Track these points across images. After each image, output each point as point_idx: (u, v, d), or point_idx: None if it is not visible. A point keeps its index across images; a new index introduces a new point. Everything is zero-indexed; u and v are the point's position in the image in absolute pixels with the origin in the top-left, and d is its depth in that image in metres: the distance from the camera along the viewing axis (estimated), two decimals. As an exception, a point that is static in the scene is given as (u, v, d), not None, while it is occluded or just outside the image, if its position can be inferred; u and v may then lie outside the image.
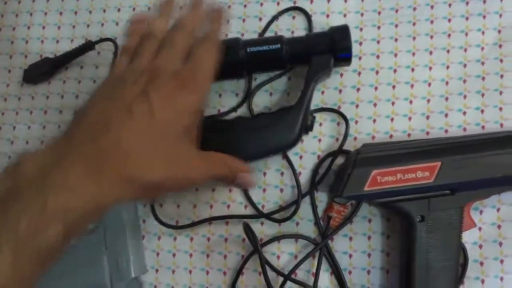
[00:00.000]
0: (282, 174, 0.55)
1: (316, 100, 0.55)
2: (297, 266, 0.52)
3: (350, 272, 0.53)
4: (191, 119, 0.41)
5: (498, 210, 0.52)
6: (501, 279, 0.51)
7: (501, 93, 0.54)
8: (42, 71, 0.60)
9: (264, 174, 0.55)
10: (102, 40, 0.59)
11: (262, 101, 0.56)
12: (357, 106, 0.55)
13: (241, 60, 0.51)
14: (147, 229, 0.56)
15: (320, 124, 0.55)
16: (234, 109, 0.56)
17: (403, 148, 0.48)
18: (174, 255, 0.56)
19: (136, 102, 0.38)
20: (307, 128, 0.50)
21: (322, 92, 0.56)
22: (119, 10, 0.61)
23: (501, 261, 0.51)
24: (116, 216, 0.53)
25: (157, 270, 0.56)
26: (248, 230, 0.52)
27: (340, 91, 0.56)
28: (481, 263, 0.52)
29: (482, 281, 0.51)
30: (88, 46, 0.59)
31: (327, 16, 0.58)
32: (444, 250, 0.48)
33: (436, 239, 0.47)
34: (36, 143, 0.60)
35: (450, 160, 0.47)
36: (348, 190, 0.47)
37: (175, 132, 0.39)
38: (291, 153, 0.55)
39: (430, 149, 0.48)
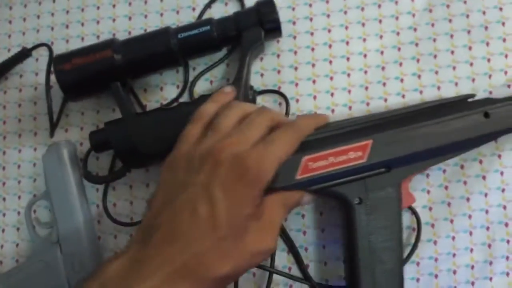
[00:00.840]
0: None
1: (257, 83, 0.55)
2: (252, 249, 0.52)
3: (306, 249, 0.53)
4: (255, 202, 0.41)
5: (444, 171, 0.52)
6: (453, 238, 0.52)
7: (435, 56, 0.54)
8: (-20, 84, 0.59)
9: (212, 162, 0.55)
10: (37, 46, 0.58)
11: (203, 89, 0.56)
12: (296, 84, 0.55)
13: (174, 48, 0.50)
14: (102, 230, 0.55)
15: (262, 106, 0.55)
16: (175, 100, 0.56)
17: (332, 130, 0.46)
18: (131, 252, 0.55)
19: (199, 203, 0.39)
20: (250, 102, 0.50)
21: (261, 75, 0.55)
22: (52, 14, 0.60)
23: (451, 221, 0.52)
24: (69, 217, 0.52)
25: (116, 270, 0.55)
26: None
27: (279, 71, 0.55)
28: (432, 225, 0.52)
29: (435, 242, 0.52)
30: (24, 53, 0.58)
31: None
32: (386, 230, 0.45)
33: (376, 220, 0.45)
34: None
35: (381, 136, 0.45)
36: (280, 181, 0.43)
37: (239, 223, 0.39)
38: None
39: (360, 128, 0.46)
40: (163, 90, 0.57)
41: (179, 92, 0.56)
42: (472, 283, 0.51)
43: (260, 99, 0.55)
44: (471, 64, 0.53)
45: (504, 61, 0.53)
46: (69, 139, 0.57)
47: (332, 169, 0.45)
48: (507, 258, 0.51)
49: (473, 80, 0.53)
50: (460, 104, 0.47)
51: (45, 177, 0.54)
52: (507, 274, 0.51)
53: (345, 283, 0.50)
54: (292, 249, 0.53)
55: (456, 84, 0.53)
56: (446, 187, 0.52)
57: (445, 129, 0.45)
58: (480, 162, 0.52)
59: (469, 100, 0.49)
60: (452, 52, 0.54)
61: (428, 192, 0.52)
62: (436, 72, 0.54)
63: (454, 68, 0.53)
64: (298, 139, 0.44)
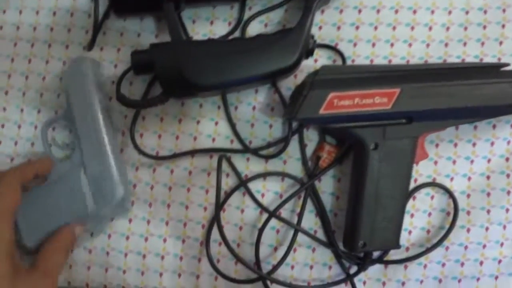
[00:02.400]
0: (272, 109, 0.51)
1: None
2: (282, 204, 0.48)
3: (335, 215, 0.50)
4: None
5: (489, 161, 0.50)
6: (486, 229, 0.49)
7: (501, 43, 0.51)
8: None
9: (254, 108, 0.51)
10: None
11: (256, 32, 0.51)
12: (355, 44, 0.51)
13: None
14: (124, 159, 0.51)
15: (316, 61, 0.51)
16: (225, 37, 0.51)
17: (363, 72, 0.44)
18: (152, 187, 0.51)
19: None
20: (308, 51, 0.46)
21: (320, 28, 0.51)
22: None
23: (488, 211, 0.50)
24: (94, 138, 0.48)
25: (133, 202, 0.51)
26: (228, 162, 0.49)
27: (339, 27, 0.51)
28: (468, 212, 0.50)
29: (468, 230, 0.49)
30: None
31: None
32: (395, 180, 0.45)
33: (388, 168, 0.45)
34: None
35: (410, 87, 0.43)
36: (303, 112, 0.43)
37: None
38: (283, 88, 0.51)
39: (391, 75, 0.44)
40: (213, 24, 0.52)
41: (230, 29, 0.52)
42: (496, 277, 0.49)
43: (314, 53, 0.51)
44: (536, 57, 0.51)
45: None
46: (104, 58, 0.53)
47: (356, 110, 0.43)
48: (535, 258, 0.50)
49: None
50: (492, 71, 0.46)
51: (66, 94, 0.49)
52: (532, 274, 0.50)
53: (345, 226, 0.48)
54: (321, 213, 0.50)
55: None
56: (488, 177, 0.50)
57: (474, 92, 0.44)
58: (527, 157, 0.50)
59: (502, 69, 0.47)
60: (519, 42, 0.51)
61: (469, 178, 0.50)
62: (499, 59, 0.51)
63: (518, 58, 0.51)
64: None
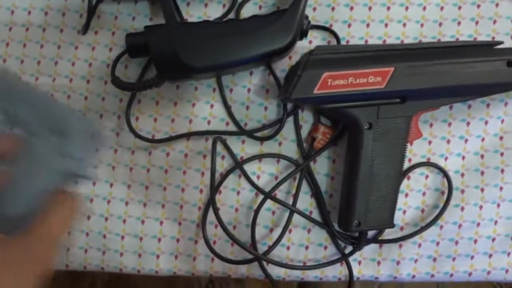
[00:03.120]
0: (267, 91, 0.51)
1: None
2: (277, 185, 0.48)
3: (331, 195, 0.50)
4: None
5: (482, 140, 0.50)
6: (480, 207, 0.50)
7: (494, 22, 0.51)
8: None
9: (248, 90, 0.51)
10: None
11: (250, 14, 0.51)
12: (349, 25, 0.51)
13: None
14: (120, 143, 0.51)
15: (310, 42, 0.51)
16: (220, 19, 0.51)
17: (357, 52, 0.44)
18: (148, 170, 0.51)
19: None
20: (303, 32, 0.46)
21: (314, 9, 0.51)
22: None
23: (482, 190, 0.50)
24: None
25: (129, 186, 0.51)
26: (223, 144, 0.49)
27: (333, 8, 0.51)
28: (462, 191, 0.50)
29: (462, 209, 0.50)
30: None
31: None
32: (389, 159, 0.45)
33: (382, 147, 0.45)
34: None
35: (403, 66, 0.43)
36: (297, 92, 0.43)
37: None
38: (278, 70, 0.51)
39: (384, 55, 0.44)
40: (208, 7, 0.52)
41: (224, 11, 0.51)
42: (490, 256, 0.50)
43: (309, 34, 0.51)
44: (529, 36, 0.51)
45: None
46: (99, 42, 0.52)
47: (350, 90, 0.43)
48: (529, 236, 0.50)
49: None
50: (485, 49, 0.45)
51: None
52: (525, 251, 0.50)
53: (339, 206, 0.48)
54: (316, 194, 0.50)
55: None
56: (482, 156, 0.50)
57: (467, 70, 0.44)
58: (521, 136, 0.50)
59: (495, 47, 0.46)
60: (512, 21, 0.51)
61: (464, 157, 0.50)
62: (493, 38, 0.51)
63: None
64: None
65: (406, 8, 0.51)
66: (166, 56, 0.45)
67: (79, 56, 0.52)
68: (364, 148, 0.45)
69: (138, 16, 0.52)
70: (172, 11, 0.46)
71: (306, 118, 0.50)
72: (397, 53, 0.44)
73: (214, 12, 0.51)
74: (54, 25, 0.53)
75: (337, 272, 0.50)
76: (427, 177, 0.50)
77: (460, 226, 0.49)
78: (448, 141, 0.50)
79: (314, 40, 0.51)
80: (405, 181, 0.50)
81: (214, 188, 0.47)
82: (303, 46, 0.50)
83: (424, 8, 0.51)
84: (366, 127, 0.45)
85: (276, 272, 0.50)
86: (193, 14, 0.52)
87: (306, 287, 0.99)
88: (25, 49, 0.53)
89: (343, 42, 0.50)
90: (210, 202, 0.48)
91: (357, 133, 0.45)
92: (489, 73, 0.44)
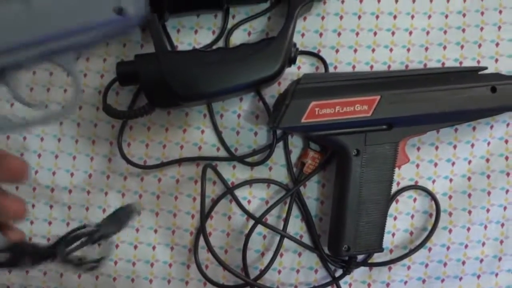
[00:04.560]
0: (257, 117, 0.51)
1: (296, 43, 0.51)
2: (268, 210, 0.48)
3: (321, 219, 0.50)
4: None
5: (469, 162, 0.50)
6: (468, 229, 0.50)
7: (480, 46, 0.51)
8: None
9: (239, 116, 0.51)
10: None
11: (240, 40, 0.51)
12: (337, 51, 0.51)
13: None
14: (112, 169, 0.51)
15: (299, 68, 0.51)
16: (209, 46, 0.51)
17: (344, 80, 0.45)
18: (140, 196, 0.51)
19: None
20: (291, 60, 0.46)
21: (302, 35, 0.51)
22: None
23: (469, 212, 0.50)
24: None
25: (121, 211, 0.52)
26: (214, 171, 0.49)
27: (321, 34, 0.51)
28: (450, 214, 0.50)
29: (450, 231, 0.50)
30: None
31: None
32: (377, 184, 0.46)
33: (369, 173, 0.45)
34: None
35: (389, 94, 0.44)
36: (285, 121, 0.44)
37: None
38: (267, 96, 0.51)
39: (370, 83, 0.45)
40: (198, 33, 0.52)
41: (214, 38, 0.51)
42: (478, 276, 0.50)
43: (297, 60, 0.51)
44: (515, 60, 0.51)
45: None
46: (90, 69, 0.52)
47: (337, 118, 0.44)
48: (516, 256, 0.50)
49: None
50: (470, 76, 0.46)
51: None
52: (513, 272, 0.50)
53: (329, 231, 0.48)
54: (307, 218, 0.50)
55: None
56: (469, 178, 0.50)
57: (452, 97, 0.44)
58: (506, 158, 0.50)
59: (480, 73, 0.47)
60: (497, 44, 0.51)
61: (451, 180, 0.50)
62: (478, 62, 0.51)
63: (496, 60, 0.51)
64: None
65: (393, 33, 0.51)
66: (155, 85, 0.45)
67: (71, 83, 0.52)
68: (352, 174, 0.45)
69: (129, 44, 0.52)
70: (162, 39, 0.46)
71: (296, 143, 0.51)
72: (383, 81, 0.45)
73: (204, 38, 0.52)
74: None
75: (328, 295, 0.50)
76: (415, 200, 0.50)
77: (448, 248, 0.50)
78: (436, 164, 0.50)
79: (303, 65, 0.51)
80: (393, 205, 0.50)
81: (204, 215, 0.48)
82: (291, 72, 0.50)
83: (410, 33, 0.51)
84: (353, 154, 0.45)
85: (268, 295, 0.50)
86: (183, 41, 0.52)
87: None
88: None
89: (331, 68, 0.51)
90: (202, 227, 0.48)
91: (345, 159, 0.46)
92: (473, 99, 0.45)
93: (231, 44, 0.51)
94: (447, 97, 0.45)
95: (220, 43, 0.52)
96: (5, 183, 0.34)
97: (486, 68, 0.47)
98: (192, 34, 0.52)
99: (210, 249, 0.46)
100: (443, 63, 0.51)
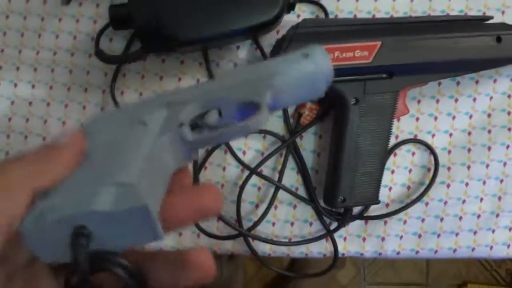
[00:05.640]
0: (254, 66, 0.50)
1: (295, -10, 0.49)
2: (263, 161, 0.47)
3: (317, 172, 0.49)
4: None
5: (470, 117, 0.49)
6: (466, 184, 0.49)
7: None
8: None
9: (235, 64, 0.49)
10: None
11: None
12: (338, -1, 0.50)
13: None
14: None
15: (298, 16, 0.49)
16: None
17: (344, 26, 0.43)
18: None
19: None
20: (290, 5, 0.45)
21: (303, -18, 0.50)
22: None
23: (468, 167, 0.49)
24: None
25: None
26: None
27: (322, -19, 0.50)
28: (448, 168, 0.49)
29: (448, 186, 0.49)
30: None
31: None
32: (375, 135, 0.45)
33: (368, 123, 0.44)
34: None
35: (390, 40, 0.42)
36: None
37: None
38: (265, 44, 0.49)
39: (372, 28, 0.43)
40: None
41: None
42: (475, 232, 0.49)
43: (297, 8, 0.49)
44: None
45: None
46: (83, 14, 0.50)
47: (336, 64, 0.42)
48: (514, 213, 0.49)
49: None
50: (475, 24, 0.44)
51: None
52: (510, 229, 0.49)
53: (325, 182, 0.47)
54: (302, 170, 0.49)
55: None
56: (469, 133, 0.49)
57: (455, 45, 0.43)
58: (509, 113, 0.49)
59: (485, 22, 0.45)
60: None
61: (451, 135, 0.49)
62: (484, 13, 0.49)
63: (503, 12, 0.49)
64: None
65: (397, -18, 0.49)
66: (149, 28, 0.43)
67: (63, 29, 0.50)
68: (350, 123, 0.44)
69: (123, -12, 0.50)
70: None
71: (293, 93, 0.49)
72: (385, 27, 0.43)
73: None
74: (37, -4, 0.51)
75: (322, 248, 0.49)
76: (413, 154, 0.49)
77: (445, 203, 0.49)
78: (436, 118, 0.49)
79: (302, 14, 0.49)
80: (391, 158, 0.49)
81: (198, 164, 0.46)
82: (290, 20, 0.48)
83: (415, -18, 0.49)
84: (352, 103, 0.44)
85: (262, 248, 0.49)
86: (179, -14, 0.50)
87: (296, 264, 0.99)
88: (8, 20, 0.51)
89: (331, 16, 0.49)
90: (195, 178, 0.47)
91: (343, 108, 0.44)
92: (478, 49, 0.43)
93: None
94: (451, 45, 0.43)
95: (217, -11, 0.49)
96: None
97: (491, 17, 0.46)
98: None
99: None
100: (447, 14, 0.49)
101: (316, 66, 0.25)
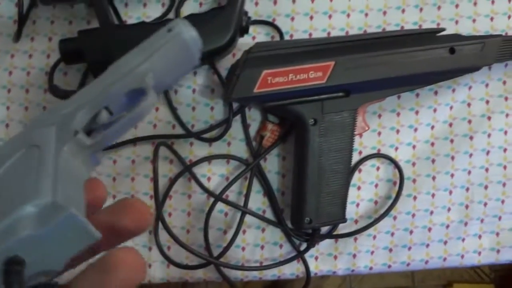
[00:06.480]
0: (212, 90, 0.49)
1: (250, 12, 0.48)
2: (228, 186, 0.47)
3: (283, 193, 0.49)
4: None
5: (432, 127, 0.49)
6: (433, 195, 0.49)
7: (439, 8, 0.50)
8: None
9: (194, 90, 0.49)
10: None
11: (191, 11, 0.49)
12: (292, 18, 0.49)
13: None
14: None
15: (253, 38, 0.49)
16: (159, 19, 0.49)
17: (297, 47, 0.43)
18: (95, 179, 0.49)
19: None
20: (243, 29, 0.44)
21: (256, 3, 0.49)
22: None
23: (433, 178, 0.49)
24: None
25: (77, 196, 0.49)
26: (169, 149, 0.47)
27: (275, 2, 0.48)
28: (414, 180, 0.49)
29: (414, 198, 0.49)
30: None
31: None
32: (336, 153, 0.44)
33: (328, 143, 0.44)
34: None
35: (344, 59, 0.42)
36: (237, 91, 0.42)
37: None
38: (222, 69, 0.49)
39: (324, 48, 0.43)
40: (147, 6, 0.49)
41: (164, 11, 0.49)
42: (445, 242, 0.49)
43: (251, 30, 0.49)
44: (474, 21, 0.50)
45: None
46: (35, 49, 0.49)
47: (291, 87, 0.42)
48: (482, 220, 0.49)
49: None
50: (427, 37, 0.45)
51: None
52: (479, 236, 0.49)
53: (291, 204, 0.47)
54: (268, 192, 0.49)
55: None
56: (432, 144, 0.49)
57: (409, 60, 0.43)
58: (469, 122, 0.49)
59: (438, 34, 0.46)
60: (457, 6, 0.50)
61: (414, 147, 0.49)
62: (438, 24, 0.49)
63: (456, 22, 0.49)
64: None
65: (350, -2, 0.49)
66: (101, 61, 0.43)
67: (16, 65, 0.49)
68: (310, 144, 0.44)
69: (75, 20, 0.49)
70: (106, 13, 0.44)
71: (254, 116, 0.49)
72: (338, 46, 0.43)
73: (153, 11, 0.49)
74: (-13, 33, 0.50)
75: (294, 269, 0.49)
76: (378, 168, 0.49)
77: (413, 215, 0.49)
78: (398, 131, 0.49)
79: (258, 35, 0.49)
80: (356, 174, 0.49)
81: (159, 196, 0.46)
82: (246, 42, 0.48)
83: (368, -3, 0.49)
84: (311, 123, 0.44)
85: (234, 273, 0.48)
86: (132, 15, 0.49)
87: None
88: (-40, 60, 0.50)
89: (286, 36, 0.49)
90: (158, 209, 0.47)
91: (303, 129, 0.44)
92: (432, 61, 0.43)
93: (181, 16, 0.49)
94: (405, 60, 0.43)
95: (171, 15, 0.49)
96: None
97: (444, 29, 0.46)
98: (140, 7, 0.49)
99: (168, 231, 0.45)
100: (402, 27, 0.49)
101: (182, 35, 0.25)
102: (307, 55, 0.42)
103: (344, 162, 0.45)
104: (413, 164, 0.49)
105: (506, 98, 0.49)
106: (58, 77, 0.48)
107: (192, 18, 0.44)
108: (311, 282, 0.49)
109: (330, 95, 0.44)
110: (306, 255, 0.48)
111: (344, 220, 0.46)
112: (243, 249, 0.49)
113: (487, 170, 0.49)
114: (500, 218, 0.49)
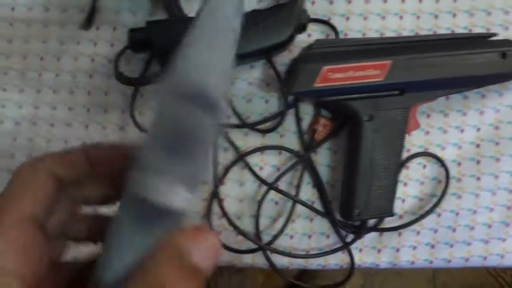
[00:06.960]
0: (268, 84, 0.51)
1: (306, 11, 0.51)
2: (280, 176, 0.49)
3: (332, 186, 0.51)
4: None
5: (478, 130, 0.51)
6: (477, 195, 0.50)
7: (489, 14, 0.51)
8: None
9: (250, 83, 0.51)
10: None
11: (251, 7, 0.51)
12: (347, 18, 0.51)
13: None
14: (124, 137, 0.51)
15: (309, 35, 0.51)
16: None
17: (356, 45, 0.45)
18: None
19: None
20: (301, 26, 0.46)
21: (313, 2, 0.51)
22: None
23: (478, 178, 0.50)
24: None
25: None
26: (225, 137, 0.49)
27: (331, 2, 0.51)
28: (459, 180, 0.50)
29: (459, 197, 0.50)
30: None
31: None
32: (388, 149, 0.46)
33: (381, 138, 0.46)
34: None
35: (401, 59, 0.44)
36: (298, 86, 0.44)
37: None
38: (278, 64, 0.51)
39: (383, 48, 0.45)
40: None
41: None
42: (486, 242, 0.50)
43: (308, 28, 0.51)
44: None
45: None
46: (100, 38, 0.52)
47: (350, 83, 0.44)
48: (523, 222, 0.51)
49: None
50: (480, 41, 0.46)
51: None
52: (520, 237, 0.51)
53: (340, 196, 0.49)
54: (318, 184, 0.51)
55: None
56: (478, 145, 0.50)
57: (463, 62, 0.44)
58: (515, 125, 0.51)
59: (490, 39, 0.47)
60: (507, 13, 0.51)
61: (460, 147, 0.51)
62: (488, 30, 0.51)
63: (506, 28, 0.51)
64: None
65: (403, 1, 0.51)
66: (168, 51, 0.45)
67: (82, 52, 0.52)
68: (364, 139, 0.46)
69: (139, 11, 0.52)
70: (173, 5, 0.46)
71: (307, 110, 0.51)
72: (395, 46, 0.45)
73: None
74: (55, 21, 0.52)
75: (339, 260, 0.51)
76: (424, 166, 0.50)
77: (457, 214, 0.50)
78: (445, 132, 0.50)
79: (313, 33, 0.51)
80: (403, 171, 0.50)
81: (217, 179, 0.48)
82: (302, 39, 0.50)
83: (420, 1, 0.51)
84: (365, 119, 0.45)
85: (280, 261, 0.50)
86: (194, 7, 0.51)
87: (305, 275, 1.00)
88: (28, 45, 0.52)
89: (341, 35, 0.51)
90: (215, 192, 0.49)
91: (357, 125, 0.46)
92: (483, 65, 0.45)
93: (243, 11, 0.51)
94: (458, 63, 0.45)
95: (231, 11, 0.51)
96: None
97: (496, 34, 0.47)
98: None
99: (224, 214, 0.47)
100: (452, 31, 0.51)
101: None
102: (365, 53, 0.44)
103: (395, 158, 0.47)
104: (459, 164, 0.50)
105: (552, 104, 0.50)
106: (121, 64, 0.51)
107: (255, 14, 0.46)
108: (341, 285, 0.50)
109: (386, 93, 0.45)
110: (351, 247, 0.50)
111: (392, 214, 0.47)
112: (291, 237, 0.50)
113: (531, 173, 0.50)
114: (541, 220, 0.50)
